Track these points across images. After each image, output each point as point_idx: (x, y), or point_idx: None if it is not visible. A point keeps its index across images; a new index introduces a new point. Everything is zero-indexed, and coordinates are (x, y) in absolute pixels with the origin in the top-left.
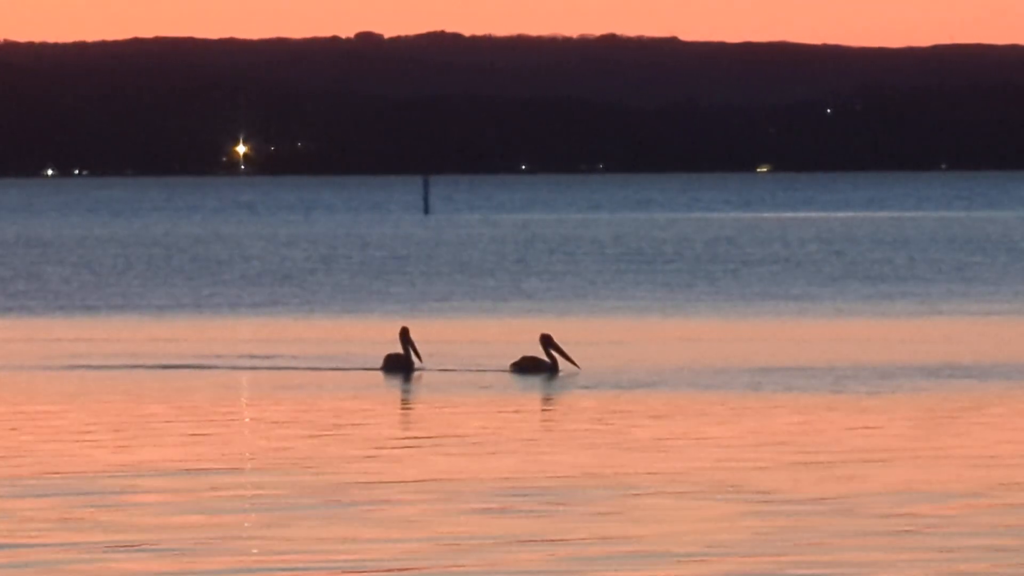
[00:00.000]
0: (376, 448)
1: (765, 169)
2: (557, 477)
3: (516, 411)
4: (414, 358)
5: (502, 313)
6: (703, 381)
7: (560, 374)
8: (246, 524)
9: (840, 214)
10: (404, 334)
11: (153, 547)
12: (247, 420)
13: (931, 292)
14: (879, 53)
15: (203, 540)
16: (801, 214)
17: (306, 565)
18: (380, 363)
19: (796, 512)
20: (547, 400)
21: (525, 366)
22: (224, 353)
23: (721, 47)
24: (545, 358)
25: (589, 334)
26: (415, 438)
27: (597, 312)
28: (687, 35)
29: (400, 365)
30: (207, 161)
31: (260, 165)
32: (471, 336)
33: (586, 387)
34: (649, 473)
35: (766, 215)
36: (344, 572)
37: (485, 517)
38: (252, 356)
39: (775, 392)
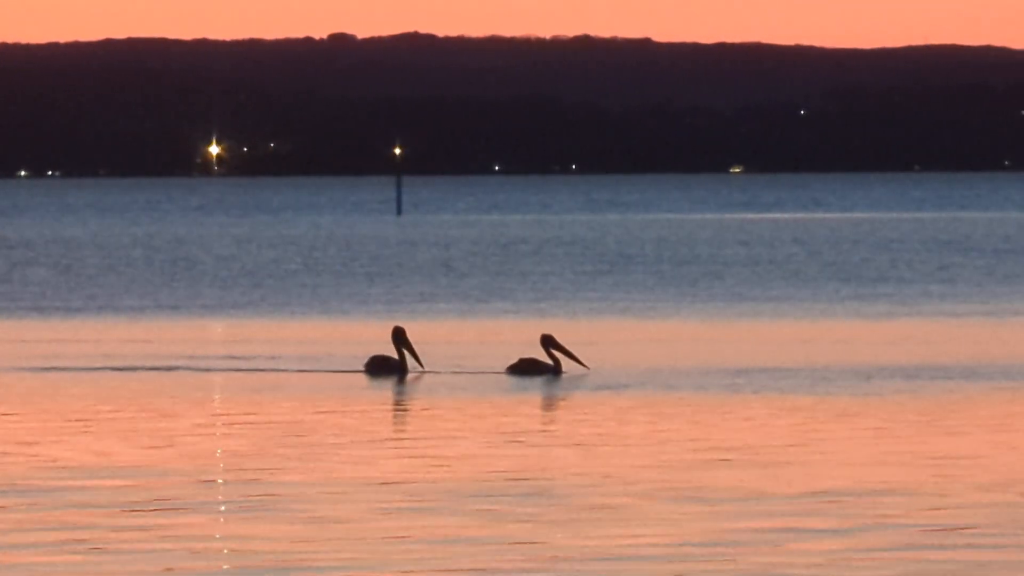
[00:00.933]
0: (338, 449)
1: (738, 170)
2: (526, 478)
3: (495, 413)
4: (412, 361)
5: (482, 314)
6: (683, 382)
7: (564, 375)
8: (194, 524)
9: (814, 215)
10: (399, 335)
11: (100, 549)
12: (208, 422)
13: (908, 293)
14: (852, 54)
15: (147, 539)
16: (774, 215)
17: (262, 568)
18: (362, 365)
19: (773, 513)
20: (548, 401)
21: (523, 368)
22: (197, 355)
23: (695, 48)
24: (546, 359)
25: (569, 335)
26: (375, 441)
27: (578, 314)
28: (660, 36)
29: (386, 368)
30: (180, 162)
31: (233, 166)
32: (452, 337)
33: (586, 389)
34: (615, 474)
35: (739, 216)
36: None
37: (435, 517)
38: (224, 357)
39: (751, 393)
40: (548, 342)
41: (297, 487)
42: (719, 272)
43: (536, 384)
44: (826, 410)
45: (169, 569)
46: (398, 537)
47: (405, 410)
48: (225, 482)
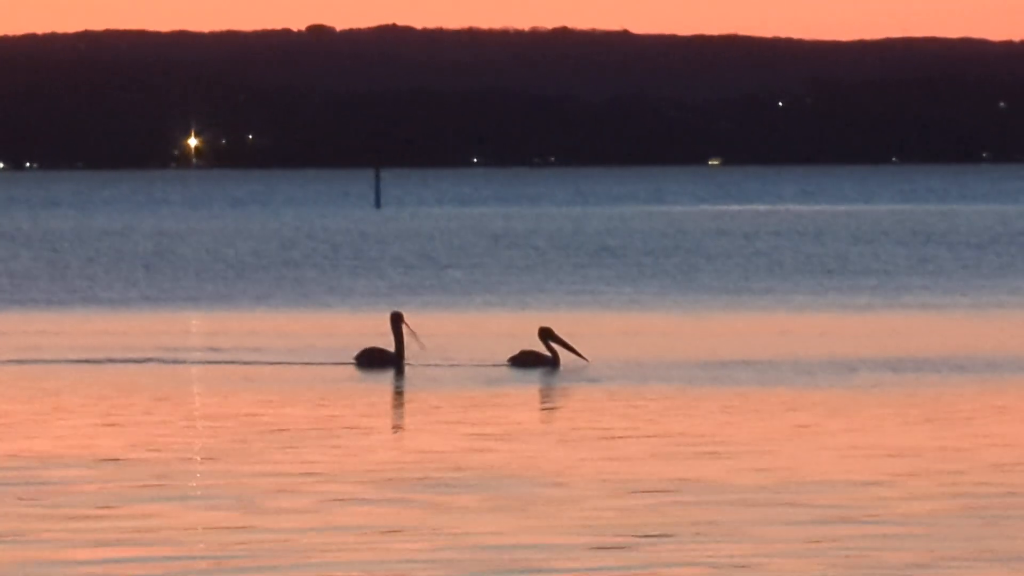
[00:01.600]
0: (304, 441)
1: (716, 162)
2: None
3: (475, 406)
4: (414, 345)
5: (465, 307)
6: (668, 374)
7: (561, 368)
8: (144, 514)
9: (793, 207)
10: (396, 320)
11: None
12: (181, 415)
13: (891, 286)
14: (830, 46)
15: (92, 530)
16: (753, 207)
17: (201, 554)
18: (352, 358)
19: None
20: (547, 394)
21: (524, 360)
22: (175, 347)
23: (672, 40)
24: (545, 352)
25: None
26: (341, 428)
27: (561, 306)
28: (638, 28)
29: (378, 360)
30: (159, 155)
31: (212, 158)
32: (441, 330)
33: (577, 382)
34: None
35: (718, 208)
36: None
37: (366, 508)
38: (203, 349)
39: (735, 386)
40: (546, 335)
41: (250, 478)
42: (699, 264)
43: (531, 377)
44: (805, 403)
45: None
46: (334, 528)
47: (382, 402)
48: (183, 472)
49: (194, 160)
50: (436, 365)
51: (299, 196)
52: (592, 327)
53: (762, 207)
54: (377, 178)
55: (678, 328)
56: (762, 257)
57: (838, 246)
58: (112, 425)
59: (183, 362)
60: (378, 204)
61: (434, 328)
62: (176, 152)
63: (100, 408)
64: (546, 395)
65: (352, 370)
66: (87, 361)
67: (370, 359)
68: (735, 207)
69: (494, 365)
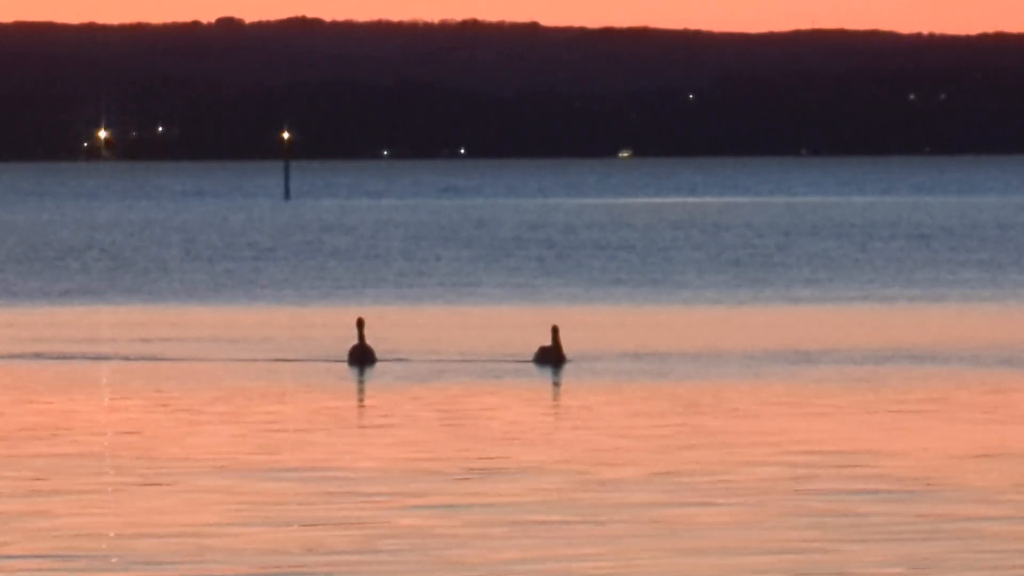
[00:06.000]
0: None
1: (626, 155)
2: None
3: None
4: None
5: (370, 300)
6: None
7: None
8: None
9: (702, 199)
10: (360, 325)
11: None
12: (82, 407)
13: (796, 279)
14: (740, 39)
15: None
16: (662, 199)
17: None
18: (345, 354)
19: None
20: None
21: (543, 358)
22: (84, 341)
23: (582, 33)
24: (559, 349)
25: (476, 319)
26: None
27: (443, 296)
28: (548, 20)
29: (365, 357)
30: (69, 147)
31: (122, 151)
32: (348, 322)
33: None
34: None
35: (627, 201)
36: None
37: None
38: (110, 342)
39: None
40: (555, 333)
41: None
42: (611, 256)
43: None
44: (705, 394)
45: None
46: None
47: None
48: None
49: (104, 153)
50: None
51: (209, 189)
52: (495, 320)
53: (670, 199)
54: (287, 170)
55: (596, 320)
56: (667, 250)
57: (746, 238)
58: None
59: (92, 358)
60: (287, 196)
61: (334, 320)
62: (86, 145)
63: None
64: (513, 391)
65: (268, 366)
66: None
67: (359, 356)
68: (644, 200)
69: (519, 361)
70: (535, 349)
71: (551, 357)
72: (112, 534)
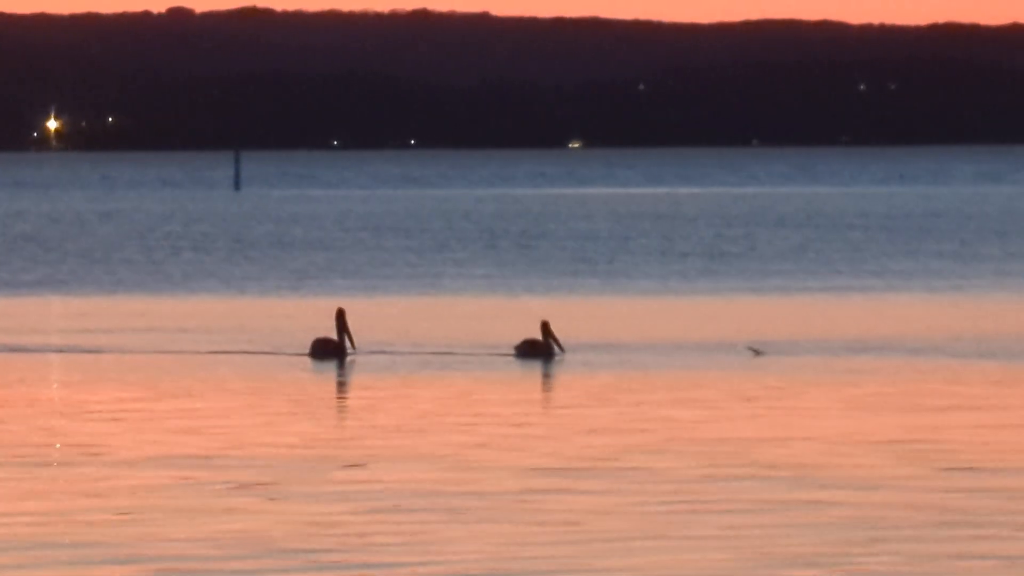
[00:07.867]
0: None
1: (577, 145)
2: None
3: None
4: (347, 344)
5: (316, 291)
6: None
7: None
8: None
9: (653, 190)
10: (340, 316)
11: None
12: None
13: (761, 270)
14: (690, 29)
15: None
16: (613, 190)
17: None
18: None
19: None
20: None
21: (527, 350)
22: (34, 333)
23: (533, 22)
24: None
25: (423, 310)
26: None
27: (437, 291)
28: (498, 10)
29: (329, 351)
30: (18, 137)
31: (72, 141)
32: (301, 313)
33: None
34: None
35: (578, 191)
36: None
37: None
38: (60, 333)
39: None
40: (545, 328)
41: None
42: (563, 247)
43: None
44: (619, 387)
45: None
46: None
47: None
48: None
49: (54, 142)
50: (449, 353)
51: (159, 178)
52: (451, 310)
53: (620, 190)
54: (237, 160)
55: (554, 311)
56: (616, 240)
57: (697, 229)
58: None
59: (43, 350)
60: (237, 186)
61: (289, 311)
62: (36, 134)
63: None
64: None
65: (210, 358)
66: None
67: (322, 350)
68: (593, 190)
69: (501, 355)
70: (506, 340)
71: (540, 351)
72: None
